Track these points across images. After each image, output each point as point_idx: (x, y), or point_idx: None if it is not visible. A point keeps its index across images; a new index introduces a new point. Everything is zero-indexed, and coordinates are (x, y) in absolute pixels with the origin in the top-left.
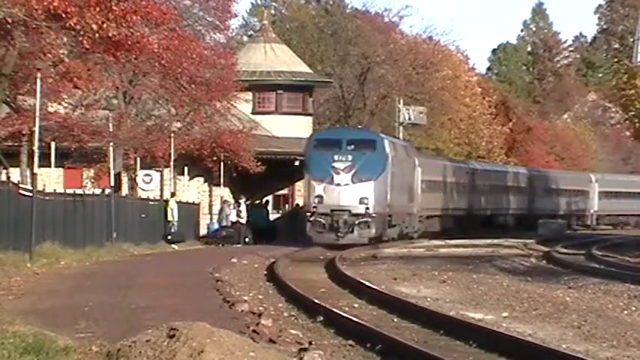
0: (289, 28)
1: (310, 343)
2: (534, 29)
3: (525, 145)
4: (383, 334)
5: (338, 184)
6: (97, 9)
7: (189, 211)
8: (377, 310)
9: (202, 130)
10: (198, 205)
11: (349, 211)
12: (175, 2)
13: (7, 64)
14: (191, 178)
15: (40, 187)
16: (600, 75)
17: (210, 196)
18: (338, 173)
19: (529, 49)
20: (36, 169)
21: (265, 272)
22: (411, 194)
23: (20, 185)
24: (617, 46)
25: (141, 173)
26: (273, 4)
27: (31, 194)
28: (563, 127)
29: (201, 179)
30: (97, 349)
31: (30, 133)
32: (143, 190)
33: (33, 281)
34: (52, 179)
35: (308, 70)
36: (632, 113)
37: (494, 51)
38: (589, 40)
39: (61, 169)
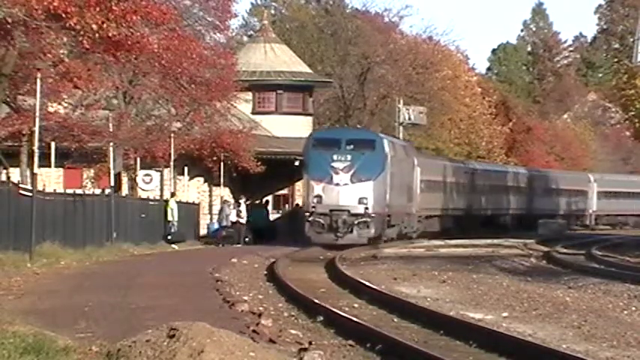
0: (289, 28)
1: (310, 343)
2: (534, 29)
3: (525, 145)
4: (383, 334)
5: (337, 184)
6: (97, 9)
7: (189, 211)
8: (377, 310)
9: (202, 130)
10: (198, 205)
11: (348, 211)
12: (175, 2)
13: (7, 64)
14: (191, 178)
15: (40, 187)
16: (600, 75)
17: (210, 196)
18: (337, 173)
19: (529, 49)
20: (36, 169)
21: (265, 272)
22: (410, 194)
23: (20, 185)
24: (617, 46)
25: (141, 173)
26: (273, 4)
27: (31, 194)
28: (563, 127)
29: (201, 179)
30: (97, 349)
31: (30, 133)
32: (143, 190)
33: (33, 281)
34: (52, 179)
35: (308, 70)
36: (632, 113)
37: (494, 51)
38: (589, 40)
39: (61, 169)
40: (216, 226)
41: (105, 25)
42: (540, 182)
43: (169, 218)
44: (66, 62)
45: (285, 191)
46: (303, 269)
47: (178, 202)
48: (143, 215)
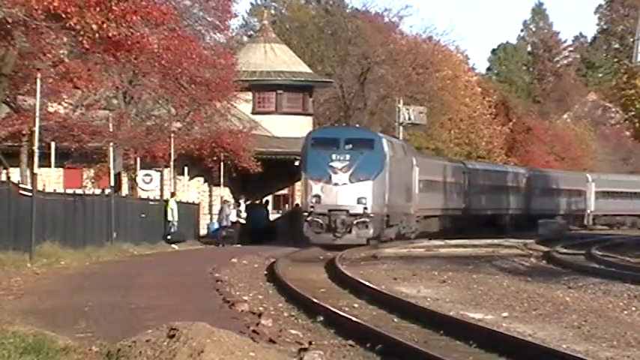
0: (289, 28)
1: (310, 343)
2: (534, 29)
3: (525, 145)
4: (383, 334)
5: (336, 184)
6: (97, 9)
7: (189, 211)
8: (377, 310)
9: (202, 130)
10: (198, 205)
11: (347, 211)
12: (175, 2)
13: (7, 64)
14: (191, 178)
15: (40, 187)
16: (600, 75)
17: (210, 196)
18: (336, 172)
19: (529, 49)
20: (36, 169)
21: (265, 272)
22: (408, 194)
23: (20, 185)
24: (617, 46)
25: (141, 173)
26: (273, 4)
27: (31, 194)
28: (563, 127)
29: (201, 179)
30: (97, 349)
31: (30, 133)
32: (143, 190)
33: (33, 281)
34: (52, 179)
35: (308, 70)
36: (632, 113)
37: (494, 51)
38: (589, 40)
39: (61, 169)
40: (216, 226)
41: (105, 25)
42: (538, 182)
43: (169, 218)
44: (66, 62)
45: (285, 191)
46: (303, 269)
47: (178, 202)
48: (143, 215)
